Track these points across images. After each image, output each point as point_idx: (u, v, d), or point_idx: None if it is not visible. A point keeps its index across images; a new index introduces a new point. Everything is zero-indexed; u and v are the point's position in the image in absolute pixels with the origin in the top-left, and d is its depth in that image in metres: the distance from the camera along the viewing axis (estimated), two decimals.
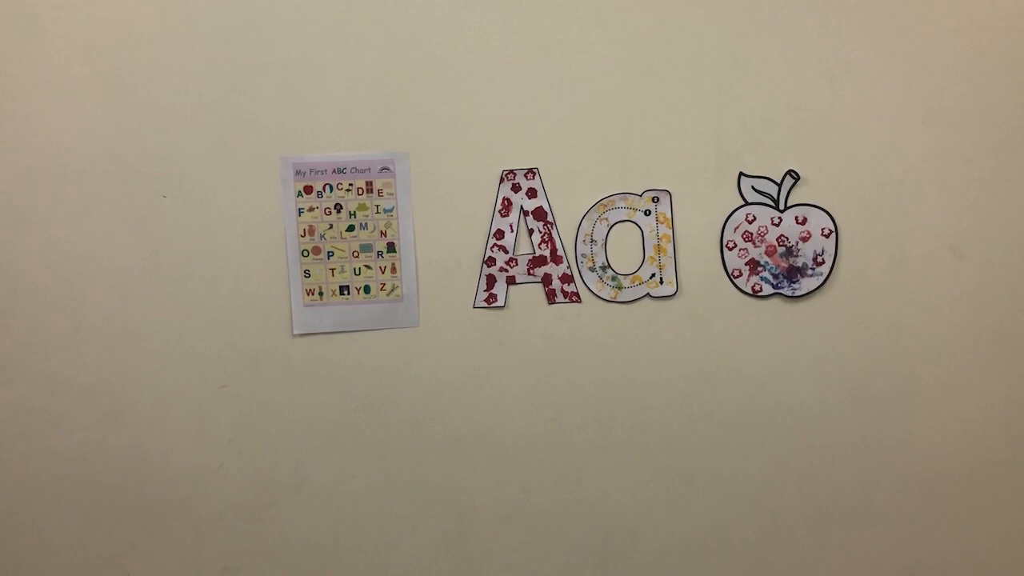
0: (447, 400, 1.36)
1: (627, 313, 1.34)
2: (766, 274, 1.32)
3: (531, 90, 1.29)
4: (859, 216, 1.31)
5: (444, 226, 1.32)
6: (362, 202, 1.31)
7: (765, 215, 1.31)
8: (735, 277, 1.33)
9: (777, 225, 1.31)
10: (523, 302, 1.34)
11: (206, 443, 1.35)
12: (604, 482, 1.38)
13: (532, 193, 1.31)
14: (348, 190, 1.31)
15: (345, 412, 1.35)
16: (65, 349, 1.31)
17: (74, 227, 1.29)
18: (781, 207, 1.31)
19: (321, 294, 1.32)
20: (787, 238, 1.31)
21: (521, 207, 1.32)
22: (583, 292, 1.34)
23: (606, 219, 1.32)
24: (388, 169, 1.30)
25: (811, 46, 1.28)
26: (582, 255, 1.33)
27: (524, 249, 1.33)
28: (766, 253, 1.32)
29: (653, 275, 1.33)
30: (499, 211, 1.32)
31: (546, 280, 1.34)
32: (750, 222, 1.31)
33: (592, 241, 1.33)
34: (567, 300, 1.34)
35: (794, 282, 1.32)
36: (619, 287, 1.34)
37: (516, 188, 1.31)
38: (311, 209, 1.31)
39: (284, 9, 1.27)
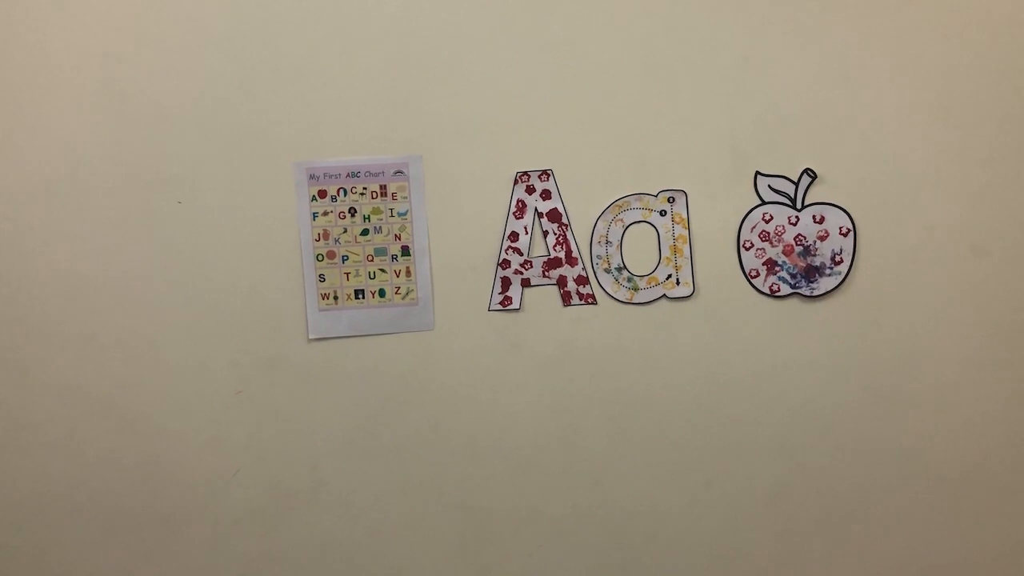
0: (463, 403, 1.35)
1: (643, 314, 1.34)
2: (784, 274, 1.31)
3: (544, 91, 1.29)
4: (877, 215, 1.30)
5: (458, 229, 1.32)
6: (376, 206, 1.31)
7: (782, 214, 1.30)
8: (752, 277, 1.32)
9: (794, 224, 1.30)
10: (538, 304, 1.34)
11: (222, 449, 1.35)
12: (621, 485, 1.37)
13: (546, 195, 1.31)
14: (362, 194, 1.31)
15: (361, 416, 1.35)
16: (81, 356, 1.32)
17: (89, 234, 1.30)
18: (798, 206, 1.30)
19: (336, 298, 1.32)
20: (805, 237, 1.30)
21: (535, 209, 1.31)
22: (599, 294, 1.33)
23: (621, 220, 1.32)
24: (402, 172, 1.30)
25: (827, 44, 1.27)
26: (597, 256, 1.33)
27: (539, 251, 1.33)
28: (783, 253, 1.31)
29: (669, 276, 1.32)
30: (513, 213, 1.31)
31: (561, 282, 1.33)
32: (767, 221, 1.31)
33: (607, 242, 1.32)
34: (583, 302, 1.33)
35: (812, 282, 1.31)
36: (635, 288, 1.33)
37: (530, 190, 1.31)
38: (325, 213, 1.31)
39: (296, 15, 1.27)
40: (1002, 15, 1.26)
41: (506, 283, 1.33)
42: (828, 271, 1.31)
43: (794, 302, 1.33)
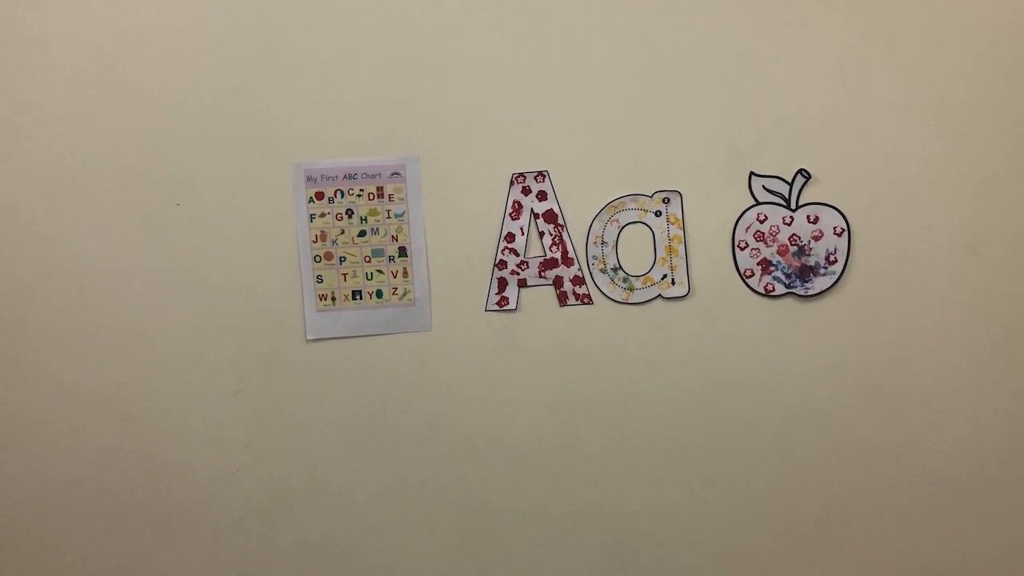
0: (461, 403, 1.36)
1: (639, 314, 1.34)
2: (778, 274, 1.32)
3: (540, 93, 1.29)
4: (872, 214, 1.30)
5: (455, 230, 1.33)
6: (373, 207, 1.32)
7: (777, 214, 1.31)
8: (747, 277, 1.33)
9: (789, 224, 1.31)
10: (535, 305, 1.34)
11: (222, 449, 1.35)
12: (619, 484, 1.38)
13: (542, 196, 1.32)
14: (359, 195, 1.31)
15: (360, 416, 1.36)
16: (81, 356, 1.32)
17: (89, 235, 1.30)
18: (793, 206, 1.30)
19: (334, 299, 1.33)
20: (799, 237, 1.31)
21: (532, 210, 1.32)
22: (595, 294, 1.34)
23: (617, 221, 1.32)
24: (399, 174, 1.31)
25: (822, 44, 1.28)
26: (593, 257, 1.33)
27: (535, 252, 1.33)
28: (778, 253, 1.32)
29: (665, 276, 1.33)
30: (510, 214, 1.32)
31: (557, 282, 1.34)
32: (761, 222, 1.31)
33: (603, 243, 1.33)
34: (579, 302, 1.34)
35: (807, 281, 1.32)
36: (631, 288, 1.34)
37: (526, 191, 1.31)
38: (323, 215, 1.31)
39: (294, 16, 1.27)
40: (998, 15, 1.26)
41: (503, 283, 1.33)
42: (822, 271, 1.31)
43: (789, 302, 1.33)
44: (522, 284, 1.34)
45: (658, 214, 1.32)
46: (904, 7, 1.27)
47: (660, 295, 1.33)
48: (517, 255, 1.33)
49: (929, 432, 1.35)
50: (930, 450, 1.35)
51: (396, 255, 1.33)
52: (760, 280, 1.32)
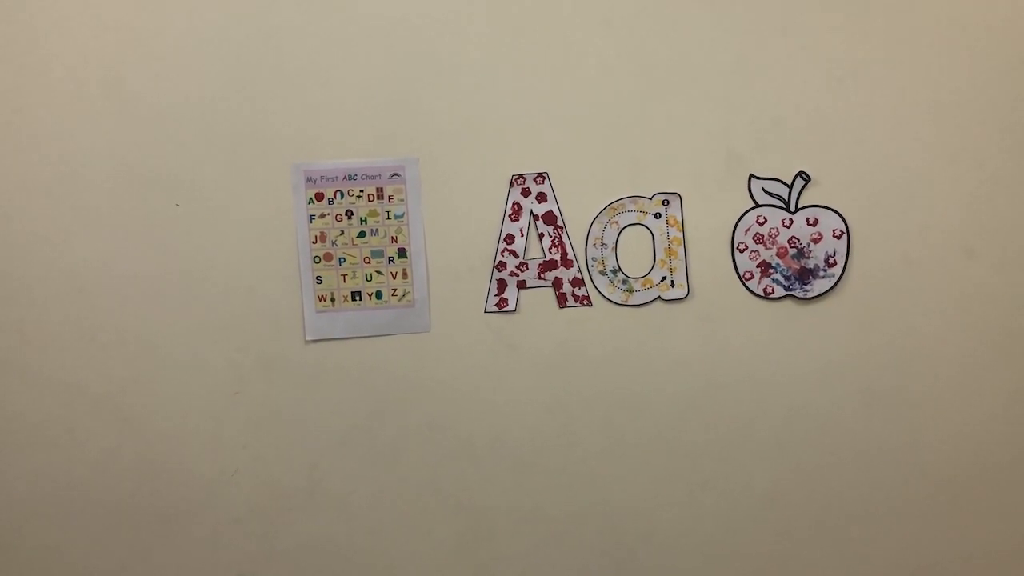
0: (459, 404, 1.36)
1: (638, 316, 1.34)
2: (777, 276, 1.32)
3: (540, 95, 1.30)
4: (871, 217, 1.30)
5: (455, 231, 1.33)
6: (373, 208, 1.32)
7: (776, 217, 1.31)
8: (746, 279, 1.33)
9: (788, 227, 1.31)
10: (534, 306, 1.34)
11: (220, 449, 1.35)
12: (617, 485, 1.38)
13: (542, 197, 1.32)
14: (359, 196, 1.32)
15: (358, 417, 1.36)
16: (81, 357, 1.33)
17: (88, 236, 1.31)
18: (792, 209, 1.31)
19: (333, 300, 1.33)
20: (798, 240, 1.31)
21: (531, 211, 1.32)
22: (594, 296, 1.34)
23: (616, 222, 1.32)
24: (398, 175, 1.31)
25: (820, 47, 1.28)
26: (592, 259, 1.33)
27: (534, 253, 1.34)
28: (777, 255, 1.32)
29: (664, 278, 1.33)
30: (509, 216, 1.32)
31: (557, 284, 1.34)
32: (761, 224, 1.31)
33: (602, 245, 1.33)
34: (578, 304, 1.34)
35: (806, 284, 1.32)
36: (630, 290, 1.34)
37: (526, 193, 1.32)
38: (322, 216, 1.32)
39: (294, 17, 1.28)
40: (995, 18, 1.27)
41: (502, 285, 1.33)
42: (822, 273, 1.31)
43: (788, 304, 1.33)
44: (521, 286, 1.34)
45: (657, 216, 1.32)
46: (902, 10, 1.27)
47: (659, 297, 1.34)
48: (516, 256, 1.33)
49: (928, 434, 1.35)
50: (929, 452, 1.35)
51: (396, 256, 1.33)
52: (759, 282, 1.33)
